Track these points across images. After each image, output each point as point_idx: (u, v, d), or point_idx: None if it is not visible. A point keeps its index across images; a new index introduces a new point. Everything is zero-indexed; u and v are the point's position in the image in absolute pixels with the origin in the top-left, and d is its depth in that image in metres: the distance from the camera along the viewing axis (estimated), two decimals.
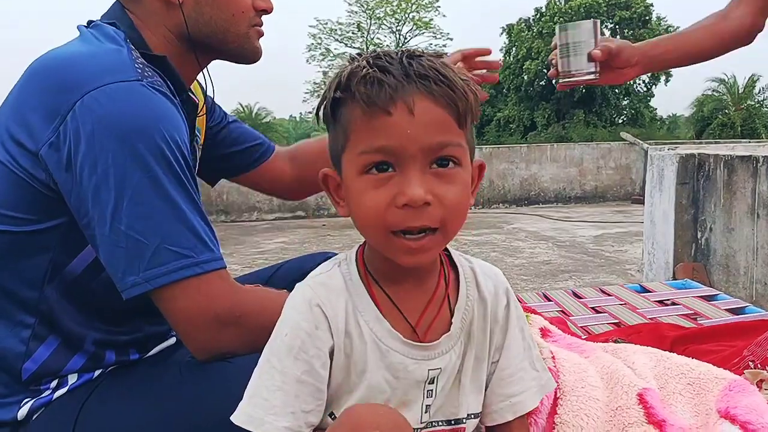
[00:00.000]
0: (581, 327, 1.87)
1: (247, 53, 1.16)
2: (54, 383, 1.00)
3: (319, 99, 0.79)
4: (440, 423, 0.83)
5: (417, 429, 0.81)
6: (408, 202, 0.71)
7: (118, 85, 0.91)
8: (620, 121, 27.57)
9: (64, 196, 0.92)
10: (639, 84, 28.16)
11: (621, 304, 2.10)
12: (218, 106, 1.36)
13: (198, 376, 0.97)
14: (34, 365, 0.98)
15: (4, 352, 0.97)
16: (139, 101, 0.92)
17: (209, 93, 1.29)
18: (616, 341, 1.58)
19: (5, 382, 0.98)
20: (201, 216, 0.95)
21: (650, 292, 2.28)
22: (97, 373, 1.02)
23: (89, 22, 1.07)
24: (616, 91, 27.28)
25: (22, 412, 0.97)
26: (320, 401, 0.77)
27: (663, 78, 27.56)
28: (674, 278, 3.72)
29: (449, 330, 0.82)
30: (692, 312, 1.99)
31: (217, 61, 1.19)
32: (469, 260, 0.89)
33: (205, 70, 1.19)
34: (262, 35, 1.17)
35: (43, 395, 0.99)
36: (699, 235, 3.91)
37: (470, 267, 0.87)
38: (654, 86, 28.21)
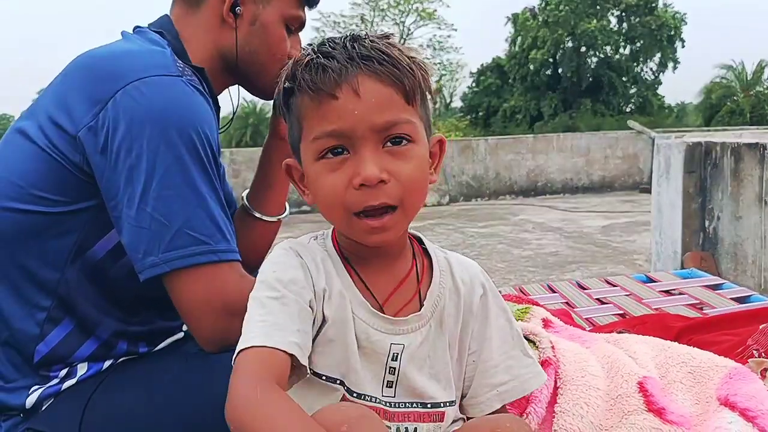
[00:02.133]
0: (586, 318, 1.87)
1: (267, 91, 1.20)
2: (63, 372, 1.02)
3: (275, 96, 0.82)
4: (415, 404, 0.83)
5: (388, 403, 0.81)
6: (363, 182, 0.73)
7: (160, 78, 0.96)
8: (628, 110, 27.41)
9: (97, 178, 0.96)
10: (647, 72, 28.00)
11: (626, 295, 2.10)
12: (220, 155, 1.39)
13: (204, 368, 0.99)
14: (46, 348, 1.00)
15: (19, 333, 1.00)
16: (177, 94, 0.97)
17: (229, 123, 1.37)
18: (620, 332, 1.58)
19: (17, 364, 1.01)
20: (222, 209, 0.99)
21: (656, 282, 2.28)
22: (106, 364, 1.05)
23: (135, 29, 1.13)
24: (624, 79, 27.11)
25: (31, 400, 1.00)
26: (310, 333, 0.77)
27: (671, 65, 27.37)
28: (682, 267, 3.70)
29: (420, 311, 0.82)
30: (698, 301, 1.99)
31: None
32: (444, 252, 0.90)
33: (233, 98, 1.26)
34: None
35: (52, 383, 1.01)
36: (707, 224, 3.90)
37: (445, 257, 0.88)
38: (662, 74, 28.04)
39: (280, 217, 1.33)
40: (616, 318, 1.88)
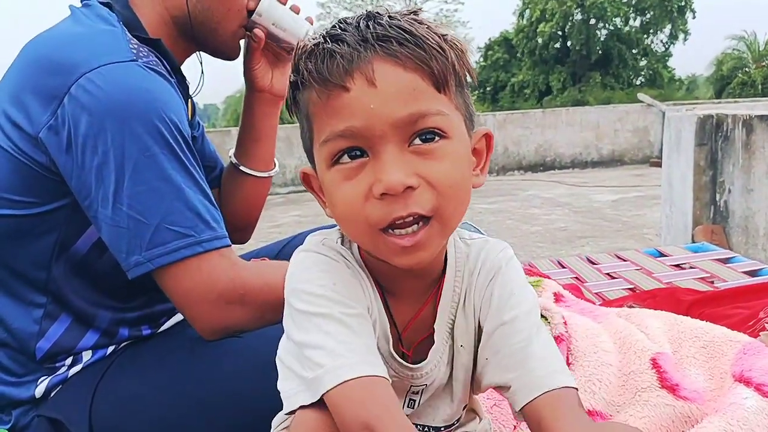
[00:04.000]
0: (595, 293, 1.86)
1: (228, 50, 1.16)
2: (69, 360, 1.02)
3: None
4: (428, 429, 0.78)
5: None
6: (386, 190, 0.60)
7: (113, 66, 0.91)
8: (638, 83, 27.09)
9: (65, 178, 0.93)
10: (657, 44, 27.60)
11: (636, 269, 2.09)
12: (198, 116, 1.36)
13: (209, 349, 0.98)
14: (47, 344, 1.00)
15: (18, 333, 0.99)
16: (134, 82, 0.92)
17: (198, 87, 1.28)
18: (630, 306, 1.57)
19: (21, 361, 1.00)
20: (203, 194, 0.95)
21: (666, 256, 2.26)
22: (110, 349, 1.04)
23: (82, 2, 1.07)
24: (634, 51, 26.75)
25: (39, 390, 1.00)
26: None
27: (681, 37, 26.95)
28: (693, 241, 3.68)
29: (434, 342, 0.74)
30: (709, 275, 1.97)
31: None
32: (467, 242, 0.77)
33: (197, 65, 1.20)
34: (243, 37, 1.17)
35: (59, 372, 1.01)
36: (717, 197, 3.85)
37: (466, 253, 0.76)
38: (672, 45, 27.64)
39: (270, 173, 1.30)
40: (626, 292, 1.87)
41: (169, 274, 0.92)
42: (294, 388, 0.67)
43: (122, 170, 0.89)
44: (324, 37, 0.63)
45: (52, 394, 1.00)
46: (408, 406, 0.76)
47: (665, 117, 4.46)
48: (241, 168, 1.27)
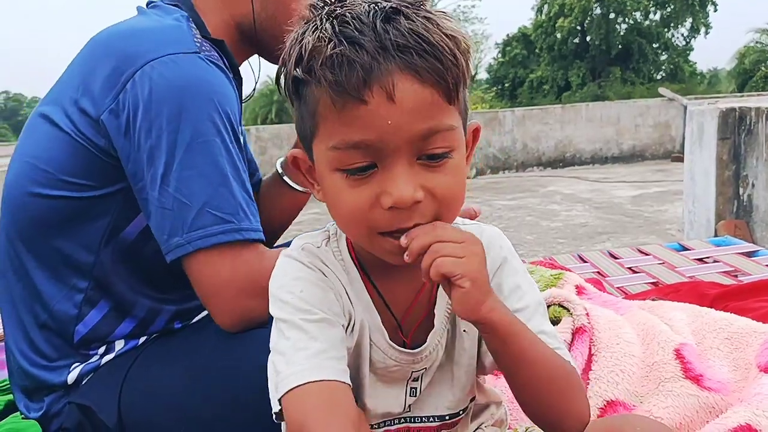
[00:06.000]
0: (618, 288, 1.85)
1: None
2: (102, 349, 1.04)
3: (279, 67, 0.67)
4: (433, 419, 0.78)
5: (405, 419, 0.78)
6: (395, 204, 0.61)
7: (177, 56, 0.95)
8: (659, 78, 26.76)
9: (122, 161, 0.96)
10: (678, 37, 27.25)
11: (659, 263, 2.08)
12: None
13: (236, 340, 0.99)
14: (84, 328, 1.03)
15: (58, 315, 1.02)
16: (195, 71, 0.96)
17: (252, 92, 1.31)
18: (653, 300, 1.57)
19: (56, 345, 1.03)
20: (244, 188, 0.98)
21: (689, 250, 2.24)
22: (142, 339, 1.07)
23: (149, 3, 1.12)
24: (654, 46, 26.43)
25: (72, 376, 1.03)
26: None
27: (703, 30, 26.57)
28: (716, 236, 3.64)
29: (434, 326, 0.75)
30: (733, 269, 1.96)
31: None
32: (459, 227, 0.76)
33: (255, 68, 1.23)
34: None
35: (92, 360, 1.04)
36: (741, 191, 3.81)
37: None
38: (693, 39, 27.26)
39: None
40: (648, 287, 1.86)
41: (205, 259, 0.94)
42: (271, 393, 0.69)
43: (173, 153, 0.93)
44: (337, 35, 0.60)
45: (84, 382, 1.03)
46: (410, 395, 0.77)
47: (687, 111, 4.41)
48: (285, 179, 1.29)
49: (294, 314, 0.67)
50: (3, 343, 1.17)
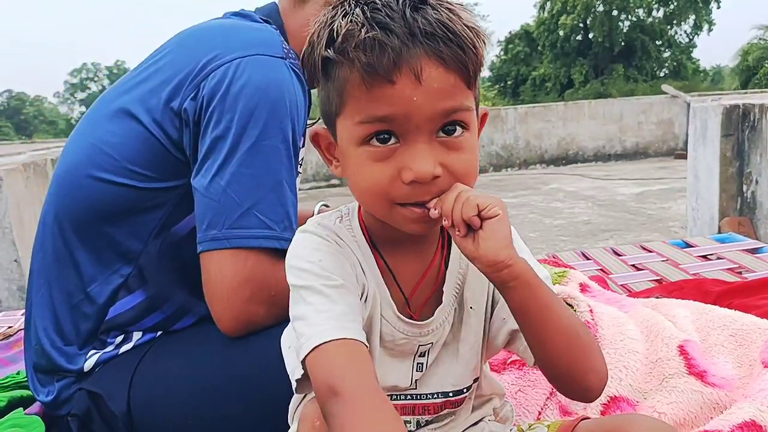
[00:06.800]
0: (621, 285, 1.85)
1: None
2: (120, 338, 1.05)
3: (306, 49, 0.71)
4: (437, 395, 0.80)
5: (411, 396, 0.79)
6: (416, 179, 0.66)
7: (264, 58, 0.98)
8: (662, 75, 26.69)
9: (185, 148, 0.98)
10: (681, 35, 27.17)
11: (663, 261, 2.07)
12: None
13: (248, 338, 0.99)
14: (113, 312, 1.04)
15: (94, 296, 1.03)
16: (277, 76, 0.97)
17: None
18: (657, 298, 1.56)
19: (81, 328, 1.04)
20: (293, 199, 0.99)
21: (693, 247, 2.24)
22: (159, 333, 1.08)
23: (236, 13, 1.14)
24: (657, 43, 26.36)
25: (88, 364, 1.04)
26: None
27: (706, 27, 26.49)
28: (719, 233, 3.63)
29: (442, 301, 0.77)
30: (737, 266, 1.95)
31: None
32: None
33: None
34: None
35: (108, 349, 1.05)
36: (744, 189, 3.80)
37: None
38: (696, 36, 27.17)
39: None
40: (652, 284, 1.86)
41: (229, 259, 0.94)
42: (291, 364, 0.73)
43: (236, 149, 0.94)
44: (369, 21, 0.65)
45: (97, 369, 1.04)
46: (417, 370, 0.79)
47: (690, 108, 4.40)
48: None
49: (315, 280, 0.70)
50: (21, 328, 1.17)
